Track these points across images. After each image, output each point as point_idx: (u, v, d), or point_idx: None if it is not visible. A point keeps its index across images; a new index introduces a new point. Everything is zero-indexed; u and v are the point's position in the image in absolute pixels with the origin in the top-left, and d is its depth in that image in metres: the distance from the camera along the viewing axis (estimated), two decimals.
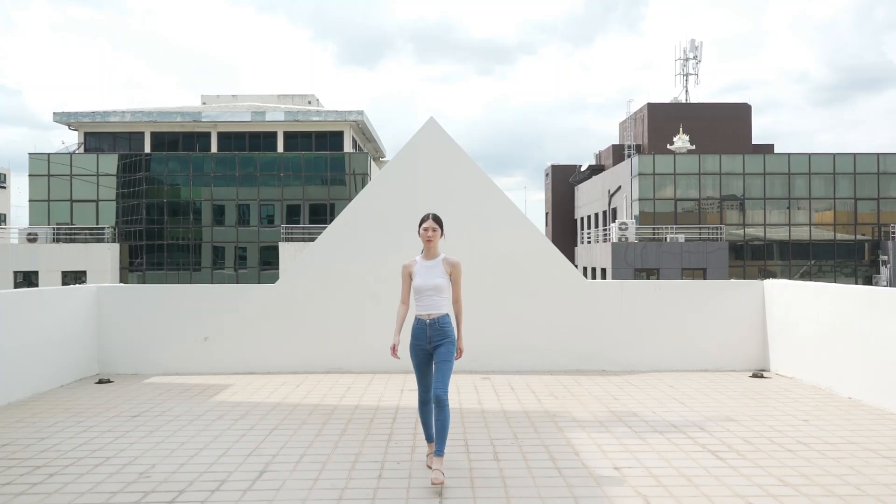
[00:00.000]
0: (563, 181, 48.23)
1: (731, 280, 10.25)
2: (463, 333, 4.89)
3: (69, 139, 57.38)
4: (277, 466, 4.87)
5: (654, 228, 33.83)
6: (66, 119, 35.91)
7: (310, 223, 33.47)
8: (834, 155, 35.39)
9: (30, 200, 33.93)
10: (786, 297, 8.26)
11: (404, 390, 7.41)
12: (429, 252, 4.80)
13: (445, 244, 5.03)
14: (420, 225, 4.83)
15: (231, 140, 36.82)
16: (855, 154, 35.28)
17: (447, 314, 4.75)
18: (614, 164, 42.03)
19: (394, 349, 4.78)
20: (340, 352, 8.50)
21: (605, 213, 39.65)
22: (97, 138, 36.91)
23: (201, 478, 4.64)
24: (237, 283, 32.60)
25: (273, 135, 36.86)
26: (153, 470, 4.80)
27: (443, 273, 4.75)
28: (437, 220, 4.82)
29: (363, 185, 32.64)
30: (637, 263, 30.96)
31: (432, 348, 4.70)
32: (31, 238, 30.84)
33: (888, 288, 6.94)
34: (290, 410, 6.54)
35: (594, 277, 34.48)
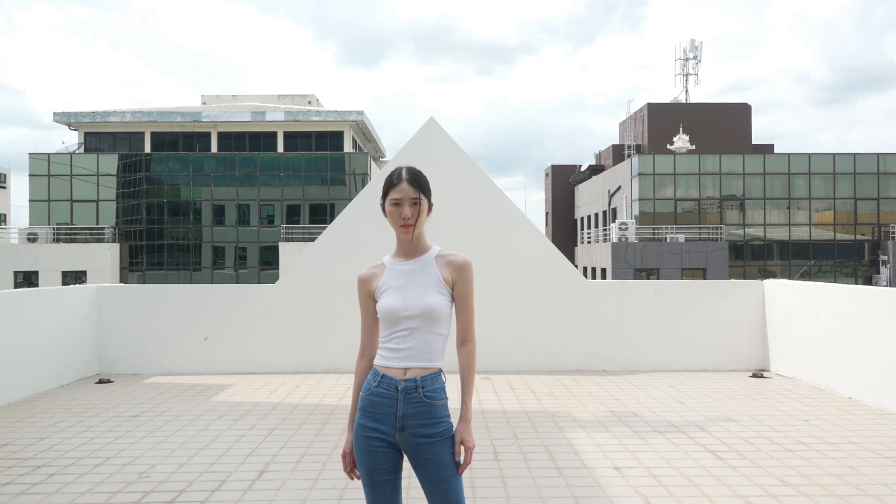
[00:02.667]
0: (563, 181, 48.24)
1: (731, 280, 10.25)
2: (471, 403, 2.53)
3: (69, 139, 57.47)
4: (277, 466, 4.87)
5: (654, 228, 33.84)
6: (67, 119, 35.92)
7: (310, 223, 33.49)
8: (834, 155, 35.39)
9: (30, 200, 33.94)
10: (786, 297, 8.26)
11: None
12: (407, 245, 2.58)
13: (441, 240, 2.78)
14: (385, 195, 2.59)
15: (231, 140, 36.83)
16: (855, 154, 35.28)
17: (441, 371, 2.52)
18: (614, 164, 42.04)
19: (344, 461, 2.59)
20: (340, 352, 8.49)
21: (605, 213, 39.66)
22: (97, 138, 36.92)
23: (201, 478, 4.64)
24: (237, 283, 32.61)
25: (273, 135, 36.88)
26: (153, 470, 4.80)
27: (438, 283, 2.52)
28: (418, 181, 2.54)
29: (363, 185, 32.66)
30: (637, 263, 30.96)
31: (407, 444, 2.44)
32: (31, 238, 30.84)
33: (888, 288, 6.94)
34: (290, 410, 6.54)
35: (594, 277, 34.49)
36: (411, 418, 2.42)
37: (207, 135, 36.81)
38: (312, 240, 24.50)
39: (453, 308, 2.56)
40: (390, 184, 2.55)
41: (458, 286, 2.54)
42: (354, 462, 2.55)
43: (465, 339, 2.55)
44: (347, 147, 36.78)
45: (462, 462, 2.44)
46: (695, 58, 43.75)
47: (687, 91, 43.93)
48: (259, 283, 25.10)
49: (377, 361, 2.54)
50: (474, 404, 6.67)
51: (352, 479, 2.59)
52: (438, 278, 2.52)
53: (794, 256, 35.14)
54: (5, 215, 57.24)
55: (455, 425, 2.48)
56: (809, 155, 35.37)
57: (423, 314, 2.47)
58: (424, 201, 2.54)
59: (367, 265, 2.67)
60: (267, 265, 33.79)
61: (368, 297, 2.60)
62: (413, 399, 2.43)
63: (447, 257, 2.57)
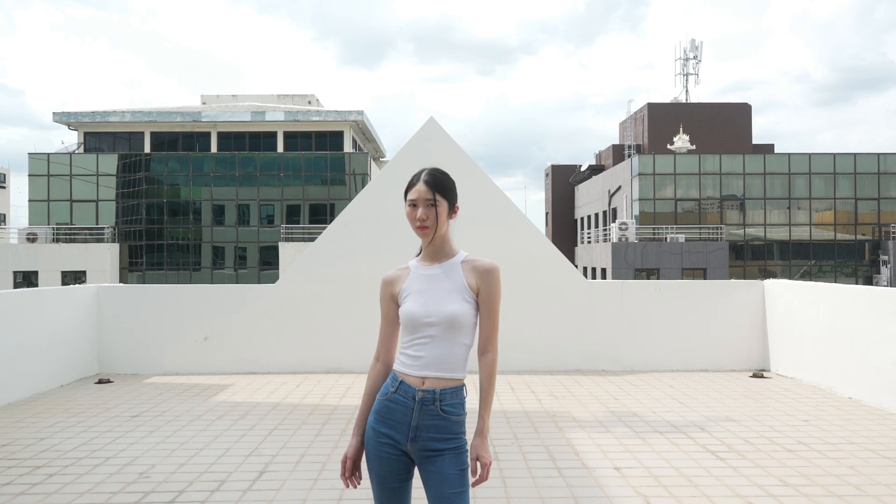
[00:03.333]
0: (563, 181, 48.23)
1: (732, 280, 10.25)
2: (488, 417, 2.48)
3: (69, 139, 57.47)
4: (277, 466, 4.87)
5: (654, 228, 33.83)
6: (66, 119, 35.90)
7: (310, 223, 33.48)
8: (834, 155, 35.38)
9: (29, 200, 33.92)
10: (786, 297, 8.26)
11: None
12: (431, 249, 2.45)
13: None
14: (406, 195, 2.45)
15: (231, 140, 36.82)
16: (855, 154, 35.27)
17: (462, 385, 2.46)
18: (614, 164, 42.04)
19: (343, 466, 2.47)
20: (340, 352, 8.50)
21: (605, 213, 39.65)
22: (97, 138, 36.91)
23: (201, 478, 4.64)
24: (237, 283, 32.61)
25: (273, 135, 36.87)
26: (153, 470, 4.80)
27: (462, 289, 2.41)
28: (438, 182, 2.42)
29: (363, 185, 32.65)
30: (637, 263, 30.96)
31: (418, 455, 2.38)
32: (31, 238, 30.82)
33: (888, 288, 6.94)
34: (290, 410, 6.54)
35: (594, 277, 34.48)
36: (425, 430, 2.35)
37: (207, 135, 36.79)
38: (312, 240, 24.49)
39: (477, 316, 2.43)
40: (409, 185, 2.45)
41: (483, 292, 2.40)
42: (353, 468, 2.47)
43: (485, 349, 2.43)
44: (347, 147, 36.77)
45: (477, 478, 2.35)
46: (695, 58, 43.74)
47: (687, 91, 43.94)
48: (259, 283, 25.10)
49: (397, 366, 2.44)
50: (474, 404, 6.65)
51: (347, 486, 2.47)
52: (463, 284, 2.40)
53: (794, 256, 35.13)
54: (5, 215, 57.23)
55: (471, 441, 2.38)
56: (810, 155, 35.37)
57: (444, 321, 2.36)
58: (443, 203, 2.41)
59: (394, 267, 2.55)
60: (267, 265, 33.78)
61: (391, 300, 2.49)
62: (429, 411, 2.36)
63: (473, 262, 2.44)
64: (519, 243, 8.69)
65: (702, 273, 30.78)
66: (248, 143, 36.80)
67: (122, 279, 32.36)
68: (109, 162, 34.24)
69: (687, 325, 8.65)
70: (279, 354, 8.52)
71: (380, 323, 2.55)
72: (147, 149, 36.36)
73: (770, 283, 8.64)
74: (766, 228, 35.22)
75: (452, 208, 2.45)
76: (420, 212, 2.39)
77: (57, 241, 31.83)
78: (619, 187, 37.21)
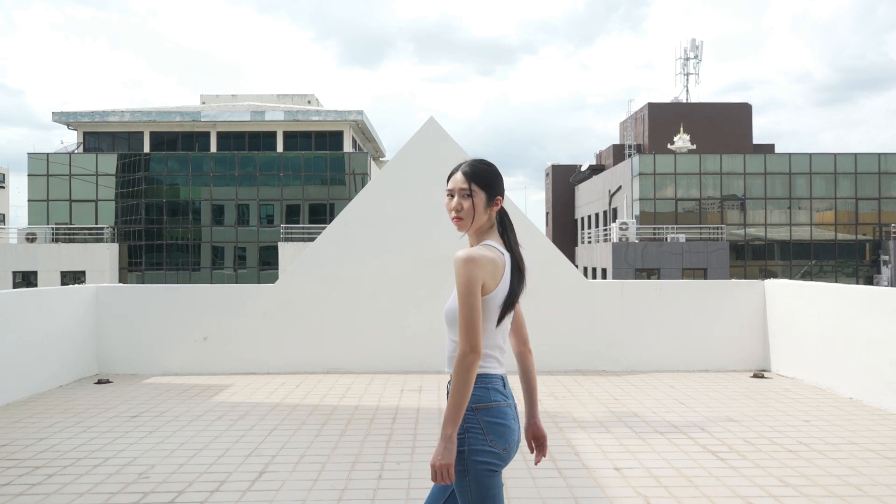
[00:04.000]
0: (564, 181, 48.23)
1: (732, 280, 10.24)
2: (448, 422, 2.28)
3: (68, 139, 57.41)
4: (277, 467, 4.85)
5: (654, 228, 33.83)
6: (66, 119, 35.89)
7: (309, 223, 33.47)
8: (835, 155, 35.38)
9: (29, 200, 33.91)
10: (787, 297, 8.25)
11: (404, 391, 7.39)
12: (473, 241, 2.46)
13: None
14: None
15: (230, 140, 36.81)
16: (856, 154, 35.27)
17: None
18: (615, 163, 42.04)
19: None
20: (340, 352, 8.48)
21: (605, 212, 39.65)
22: (96, 138, 36.90)
23: (201, 478, 4.62)
24: (236, 283, 32.59)
25: (272, 134, 36.85)
26: (152, 470, 4.78)
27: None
28: (476, 172, 2.37)
29: (363, 184, 32.62)
30: (637, 263, 30.95)
31: None
32: (30, 238, 30.82)
33: (889, 288, 6.93)
34: (290, 411, 6.52)
35: (594, 277, 34.46)
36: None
37: (207, 134, 36.79)
38: (312, 240, 24.45)
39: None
40: (449, 175, 2.42)
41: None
42: (532, 443, 2.71)
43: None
44: (347, 147, 36.76)
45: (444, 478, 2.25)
46: (695, 57, 43.75)
47: (687, 91, 43.96)
48: (258, 283, 25.08)
49: None
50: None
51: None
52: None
53: (795, 256, 35.13)
54: (4, 215, 57.21)
55: (466, 438, 2.31)
56: (810, 155, 35.36)
57: (445, 317, 2.37)
58: (480, 194, 2.35)
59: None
60: (266, 265, 33.77)
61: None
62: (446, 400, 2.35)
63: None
64: (519, 243, 8.66)
65: (702, 273, 30.78)
66: (247, 142, 36.79)
67: (122, 279, 32.36)
68: (109, 162, 34.23)
69: (687, 325, 8.64)
70: (279, 354, 8.50)
71: None
72: (146, 149, 36.35)
73: (771, 283, 8.63)
74: (767, 228, 35.23)
75: (492, 200, 2.38)
76: (454, 201, 2.36)
77: (56, 241, 31.82)
78: (620, 187, 37.20)
